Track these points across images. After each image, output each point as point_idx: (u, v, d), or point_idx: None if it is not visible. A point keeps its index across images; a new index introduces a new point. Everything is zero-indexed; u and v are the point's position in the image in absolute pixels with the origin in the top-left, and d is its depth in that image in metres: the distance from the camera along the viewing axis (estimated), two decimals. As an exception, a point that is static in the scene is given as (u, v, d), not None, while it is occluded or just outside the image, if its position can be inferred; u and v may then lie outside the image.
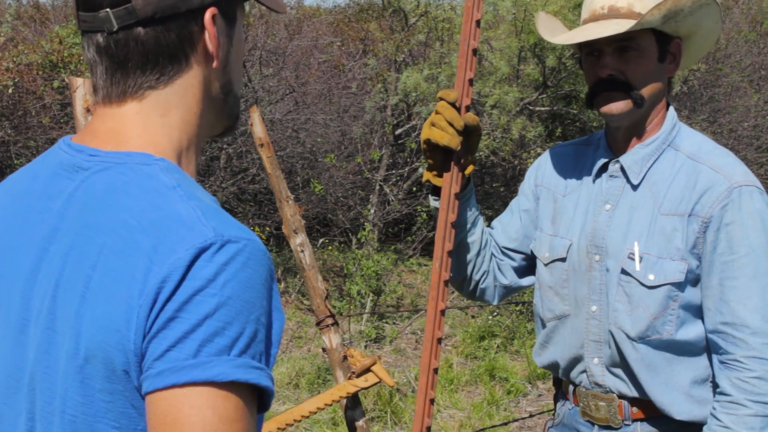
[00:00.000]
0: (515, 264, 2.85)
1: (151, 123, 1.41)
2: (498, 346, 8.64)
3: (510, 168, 11.75)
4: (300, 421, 2.48)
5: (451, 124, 2.49)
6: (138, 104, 1.41)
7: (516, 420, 6.94)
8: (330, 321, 2.61)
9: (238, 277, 1.24)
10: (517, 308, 9.12)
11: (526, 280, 2.87)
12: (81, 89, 2.55)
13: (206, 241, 1.24)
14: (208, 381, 1.20)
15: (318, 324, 2.61)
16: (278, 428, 2.35)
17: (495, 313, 9.23)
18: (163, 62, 1.41)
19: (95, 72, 1.43)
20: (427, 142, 2.52)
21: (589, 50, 2.53)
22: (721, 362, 2.43)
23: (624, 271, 2.52)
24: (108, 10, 1.37)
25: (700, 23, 2.52)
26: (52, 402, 1.31)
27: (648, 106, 2.53)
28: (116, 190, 1.33)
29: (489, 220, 9.87)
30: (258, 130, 2.56)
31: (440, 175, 2.59)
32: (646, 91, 2.50)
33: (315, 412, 2.47)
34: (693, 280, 2.46)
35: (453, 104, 2.50)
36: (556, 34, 2.68)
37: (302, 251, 2.56)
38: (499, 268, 2.85)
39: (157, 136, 1.41)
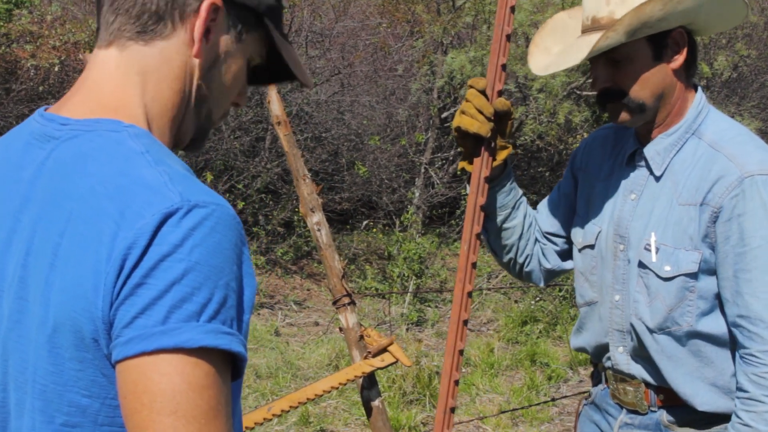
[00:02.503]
0: (558, 248, 2.83)
1: (128, 78, 1.39)
2: (540, 332, 8.59)
3: (556, 153, 11.67)
4: (313, 399, 2.47)
5: (480, 112, 2.48)
6: (119, 53, 1.40)
7: (554, 400, 6.90)
8: (347, 300, 2.60)
9: (205, 242, 1.22)
10: (561, 293, 9.06)
11: (570, 264, 2.84)
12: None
13: (172, 205, 1.22)
14: (177, 347, 1.18)
15: (335, 303, 2.60)
16: (291, 406, 2.34)
17: (538, 298, 9.18)
18: (148, 18, 1.39)
19: (99, 11, 1.43)
20: (458, 129, 2.53)
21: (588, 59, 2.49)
22: (740, 356, 2.39)
23: (641, 263, 2.49)
24: None
25: (692, 13, 2.41)
26: (25, 372, 1.30)
27: (654, 104, 2.46)
28: (85, 157, 1.31)
29: (534, 204, 9.77)
30: (275, 107, 2.55)
31: (473, 162, 2.58)
32: (646, 95, 2.43)
33: (329, 391, 2.46)
34: (708, 270, 2.42)
35: (482, 92, 2.48)
36: (567, 38, 2.63)
37: (319, 230, 2.55)
38: (543, 252, 2.83)
39: (130, 94, 1.39)
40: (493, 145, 2.55)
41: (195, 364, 1.19)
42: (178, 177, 1.28)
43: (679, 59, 2.45)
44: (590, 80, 10.38)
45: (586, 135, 10.60)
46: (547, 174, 12.14)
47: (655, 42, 2.41)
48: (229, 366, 1.25)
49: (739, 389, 2.38)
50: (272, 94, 2.53)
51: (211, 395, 1.20)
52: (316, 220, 2.55)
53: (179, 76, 1.43)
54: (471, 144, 2.56)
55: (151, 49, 1.40)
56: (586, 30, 2.49)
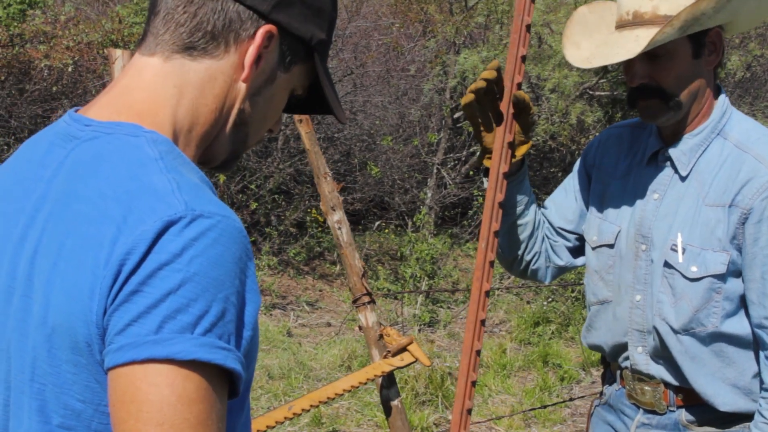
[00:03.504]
0: (570, 244, 2.81)
1: (164, 88, 1.38)
2: (552, 333, 8.57)
3: (568, 153, 11.65)
4: (334, 398, 2.47)
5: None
6: (162, 63, 1.39)
7: (572, 399, 6.88)
8: (366, 299, 2.59)
9: (206, 254, 1.20)
10: (573, 294, 9.04)
11: (581, 260, 2.83)
12: (120, 61, 2.55)
13: (176, 214, 1.20)
14: (168, 358, 1.16)
15: (354, 302, 2.59)
16: (312, 405, 2.34)
17: (550, 299, 9.16)
18: (202, 35, 1.39)
19: (148, 19, 1.42)
20: (463, 108, 2.51)
21: None
22: (765, 357, 2.38)
23: (667, 264, 2.47)
24: None
25: (736, 10, 2.41)
26: (24, 371, 1.29)
27: (689, 103, 2.46)
28: (100, 159, 1.30)
29: (546, 205, 9.76)
30: (297, 104, 2.53)
31: (490, 157, 2.56)
32: (684, 93, 2.43)
33: (349, 390, 2.45)
34: (735, 271, 2.41)
35: (485, 79, 2.45)
36: (593, 34, 2.61)
37: (339, 228, 2.54)
38: (553, 249, 2.81)
39: (161, 104, 1.38)
40: (515, 141, 2.53)
41: (186, 377, 1.17)
42: (187, 186, 1.26)
43: (715, 59, 2.47)
44: (602, 80, 10.40)
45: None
46: (559, 174, 12.10)
47: (696, 40, 2.42)
48: (225, 382, 1.22)
49: (765, 389, 2.37)
50: (293, 91, 2.53)
51: (201, 409, 1.17)
52: (336, 218, 2.54)
53: (219, 96, 1.42)
54: (476, 119, 2.52)
55: (197, 65, 1.40)
56: (625, 24, 2.47)
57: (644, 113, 2.47)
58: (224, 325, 1.20)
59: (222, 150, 1.48)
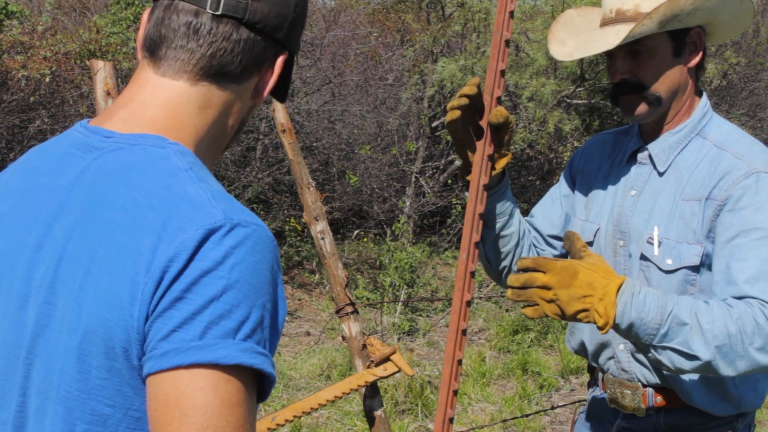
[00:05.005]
0: (557, 252, 2.83)
1: (189, 108, 1.43)
2: (531, 340, 8.59)
3: (546, 161, 11.69)
4: (317, 409, 2.47)
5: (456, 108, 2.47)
6: (188, 86, 1.43)
7: (545, 410, 6.90)
8: (350, 309, 2.60)
9: (246, 261, 1.24)
10: (552, 302, 9.04)
11: None
12: (102, 72, 2.54)
13: (216, 222, 1.25)
14: (213, 363, 1.19)
15: (338, 312, 2.59)
16: (295, 416, 2.34)
17: (529, 307, 9.16)
18: (234, 67, 1.44)
19: (167, 41, 1.44)
20: (447, 125, 2.52)
21: (605, 52, 2.52)
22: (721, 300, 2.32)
23: (643, 256, 2.50)
24: None
25: (715, 10, 2.47)
26: (50, 377, 1.30)
27: (669, 100, 2.51)
28: (128, 169, 1.33)
29: (525, 213, 9.78)
30: (280, 115, 2.54)
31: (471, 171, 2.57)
32: (663, 89, 2.48)
33: (333, 401, 2.45)
34: (710, 264, 2.42)
35: (470, 96, 2.46)
36: (579, 34, 2.66)
37: (323, 238, 2.55)
38: None
39: (185, 122, 1.43)
40: (495, 155, 2.55)
41: (228, 381, 1.20)
42: (220, 195, 1.31)
43: (695, 59, 2.52)
44: (580, 89, 10.45)
45: (576, 143, 10.64)
46: (537, 182, 12.15)
47: (676, 39, 2.47)
48: (256, 385, 1.26)
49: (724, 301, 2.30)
50: (277, 103, 2.53)
51: (241, 413, 1.21)
52: (320, 228, 2.55)
53: (236, 113, 1.49)
54: (461, 134, 2.52)
55: (223, 91, 1.45)
56: (608, 22, 2.53)
57: (625, 107, 2.52)
58: (262, 330, 1.25)
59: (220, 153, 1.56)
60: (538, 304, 2.24)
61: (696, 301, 2.25)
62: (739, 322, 2.21)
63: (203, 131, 1.44)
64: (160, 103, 1.42)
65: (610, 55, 2.52)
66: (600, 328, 2.20)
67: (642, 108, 2.48)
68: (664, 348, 2.22)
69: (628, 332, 2.22)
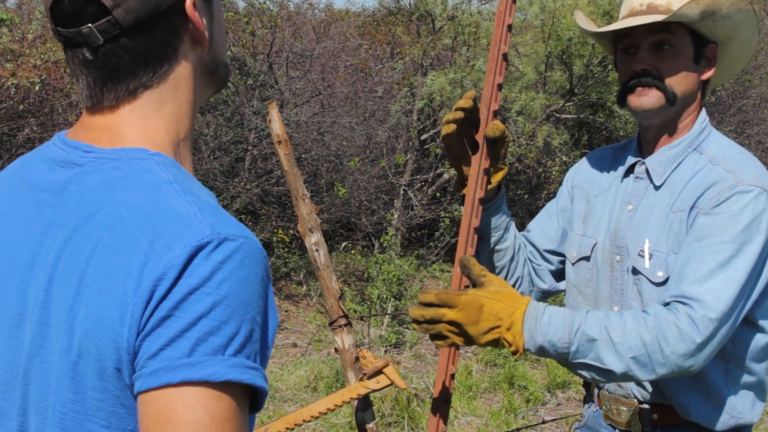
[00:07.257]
0: (553, 267, 2.83)
1: (146, 117, 1.40)
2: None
3: (534, 175, 11.71)
4: (309, 421, 2.46)
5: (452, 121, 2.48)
6: (131, 105, 1.40)
7: (532, 426, 6.90)
8: (343, 321, 2.59)
9: (234, 276, 1.23)
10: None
11: (564, 284, 2.84)
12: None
13: (203, 238, 1.23)
14: (202, 381, 1.19)
15: (331, 324, 2.59)
16: (287, 428, 2.33)
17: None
18: (154, 63, 1.40)
19: (82, 82, 1.41)
20: (443, 139, 2.52)
21: (625, 47, 2.54)
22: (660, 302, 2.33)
23: (635, 270, 2.50)
24: (90, 25, 1.35)
25: (737, 29, 2.50)
26: (46, 398, 1.30)
27: (680, 105, 2.52)
28: (112, 185, 1.32)
29: (516, 227, 9.78)
30: (276, 126, 2.54)
31: (467, 184, 2.58)
32: (679, 89, 2.49)
33: (325, 413, 2.45)
34: None
35: (465, 110, 2.47)
36: (593, 29, 2.67)
37: (317, 250, 2.55)
38: (537, 273, 2.83)
39: (153, 129, 1.40)
40: (491, 169, 2.55)
41: (218, 398, 1.20)
42: (207, 208, 1.29)
43: (708, 72, 2.54)
44: (569, 103, 10.47)
45: (565, 158, 10.64)
46: (525, 196, 12.16)
47: (697, 45, 2.49)
48: (248, 399, 1.26)
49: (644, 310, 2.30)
50: (273, 113, 2.53)
51: (233, 428, 1.21)
52: (314, 240, 2.54)
53: (189, 84, 1.45)
54: (456, 148, 2.53)
55: (166, 83, 1.42)
56: (638, 14, 2.53)
57: (638, 97, 2.50)
58: (252, 344, 1.24)
59: (211, 91, 1.53)
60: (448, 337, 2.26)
61: (608, 314, 2.26)
62: (655, 331, 2.22)
63: (173, 127, 1.42)
64: (121, 124, 1.40)
65: (631, 48, 2.53)
66: (513, 354, 2.22)
67: (656, 99, 2.48)
68: (580, 364, 2.24)
69: (543, 354, 2.25)
